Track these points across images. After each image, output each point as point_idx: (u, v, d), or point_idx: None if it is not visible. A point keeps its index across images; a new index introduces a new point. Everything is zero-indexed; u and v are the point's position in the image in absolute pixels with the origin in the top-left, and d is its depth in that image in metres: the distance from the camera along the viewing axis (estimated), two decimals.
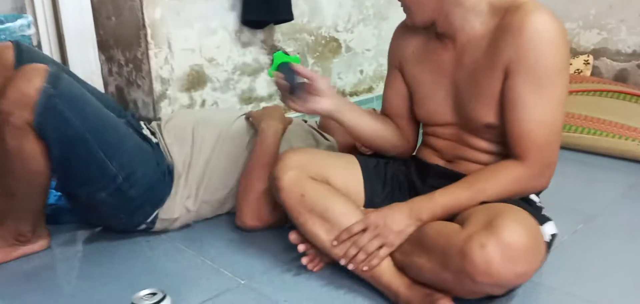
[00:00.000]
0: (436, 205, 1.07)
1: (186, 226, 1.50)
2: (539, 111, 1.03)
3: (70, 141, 1.20)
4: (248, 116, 1.60)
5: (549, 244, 1.05)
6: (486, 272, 0.90)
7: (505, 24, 1.04)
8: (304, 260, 1.23)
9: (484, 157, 1.16)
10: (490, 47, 1.06)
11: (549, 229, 1.06)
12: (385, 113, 1.34)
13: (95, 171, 1.26)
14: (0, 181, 1.31)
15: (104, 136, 1.26)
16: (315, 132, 1.60)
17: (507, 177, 1.07)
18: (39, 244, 1.38)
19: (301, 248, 1.22)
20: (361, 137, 1.29)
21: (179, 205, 1.43)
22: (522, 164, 1.06)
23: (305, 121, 1.70)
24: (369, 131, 1.27)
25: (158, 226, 1.44)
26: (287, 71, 1.16)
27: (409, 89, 1.27)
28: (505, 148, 1.11)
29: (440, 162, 1.22)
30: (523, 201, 1.09)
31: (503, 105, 1.06)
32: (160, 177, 1.40)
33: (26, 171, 1.21)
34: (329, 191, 1.17)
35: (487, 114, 1.10)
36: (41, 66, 1.17)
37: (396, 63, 1.28)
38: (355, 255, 1.11)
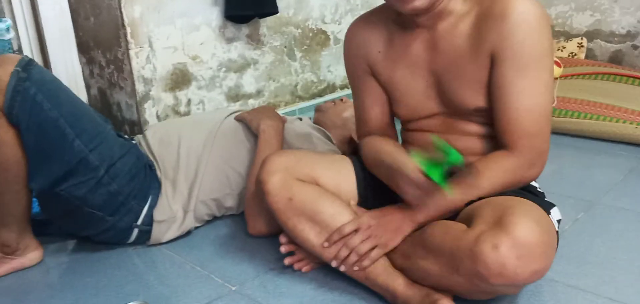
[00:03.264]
0: (430, 204, 1.03)
1: (187, 235, 1.43)
2: (527, 98, 1.00)
3: (42, 126, 1.15)
4: (238, 118, 1.53)
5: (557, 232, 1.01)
6: (501, 274, 0.85)
7: (485, 11, 1.01)
8: (287, 260, 1.19)
9: (477, 143, 1.10)
10: (472, 34, 1.03)
11: (555, 215, 1.02)
12: (371, 129, 1.23)
13: (73, 161, 1.20)
14: None
15: (80, 123, 1.21)
16: (313, 131, 1.54)
17: (499, 169, 1.03)
18: (30, 258, 1.32)
19: (284, 248, 1.18)
20: None
21: (173, 206, 1.37)
22: (513, 154, 1.02)
23: (300, 119, 1.64)
24: None
25: (155, 232, 1.36)
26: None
27: (385, 90, 1.19)
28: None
29: None
30: (524, 190, 1.05)
31: (491, 92, 1.03)
32: (142, 170, 1.35)
33: (0, 162, 1.16)
34: (318, 192, 1.12)
35: (476, 99, 1.05)
36: (15, 55, 1.17)
37: (366, 70, 1.20)
38: (347, 257, 1.06)
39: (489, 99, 1.04)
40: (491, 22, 0.99)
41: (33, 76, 1.15)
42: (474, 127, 1.10)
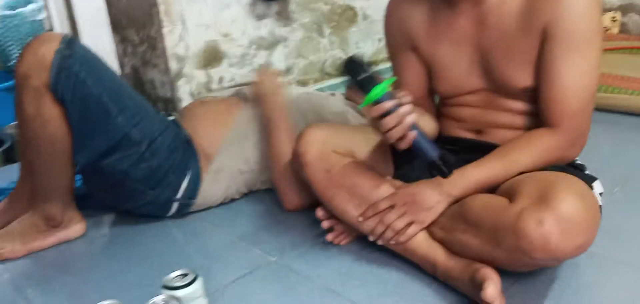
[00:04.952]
0: (469, 180, 1.02)
1: (226, 208, 1.47)
2: (574, 77, 0.98)
3: (86, 102, 1.19)
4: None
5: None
6: (544, 248, 0.85)
7: None
8: (329, 237, 1.21)
9: (518, 119, 1.10)
10: (523, 10, 1.00)
11: (597, 188, 1.02)
12: None
13: (117, 136, 1.24)
14: (25, 164, 1.31)
15: (122, 99, 1.25)
16: (348, 108, 1.55)
17: (540, 146, 1.02)
18: (74, 230, 1.36)
19: (325, 224, 1.19)
20: None
21: (214, 178, 1.41)
22: (555, 132, 1.01)
23: (333, 94, 1.65)
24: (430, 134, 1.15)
25: (199, 199, 1.40)
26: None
27: (426, 66, 1.18)
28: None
29: (468, 135, 1.16)
30: (567, 164, 1.05)
31: (538, 69, 1.02)
32: (181, 145, 1.38)
33: (46, 137, 1.20)
34: (355, 164, 1.13)
35: (524, 78, 1.04)
36: (56, 33, 1.18)
37: (407, 44, 1.18)
38: (383, 232, 1.07)
39: (536, 78, 1.03)
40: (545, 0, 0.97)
41: (76, 53, 1.18)
42: (517, 104, 1.09)
